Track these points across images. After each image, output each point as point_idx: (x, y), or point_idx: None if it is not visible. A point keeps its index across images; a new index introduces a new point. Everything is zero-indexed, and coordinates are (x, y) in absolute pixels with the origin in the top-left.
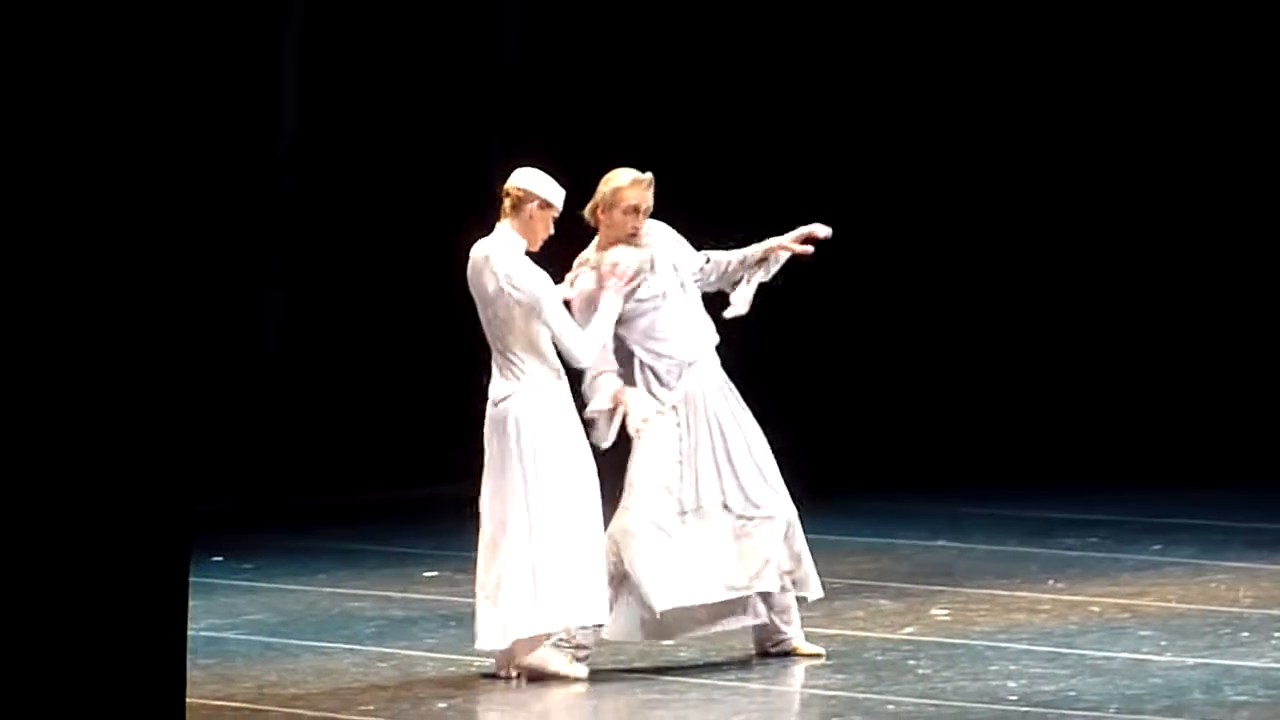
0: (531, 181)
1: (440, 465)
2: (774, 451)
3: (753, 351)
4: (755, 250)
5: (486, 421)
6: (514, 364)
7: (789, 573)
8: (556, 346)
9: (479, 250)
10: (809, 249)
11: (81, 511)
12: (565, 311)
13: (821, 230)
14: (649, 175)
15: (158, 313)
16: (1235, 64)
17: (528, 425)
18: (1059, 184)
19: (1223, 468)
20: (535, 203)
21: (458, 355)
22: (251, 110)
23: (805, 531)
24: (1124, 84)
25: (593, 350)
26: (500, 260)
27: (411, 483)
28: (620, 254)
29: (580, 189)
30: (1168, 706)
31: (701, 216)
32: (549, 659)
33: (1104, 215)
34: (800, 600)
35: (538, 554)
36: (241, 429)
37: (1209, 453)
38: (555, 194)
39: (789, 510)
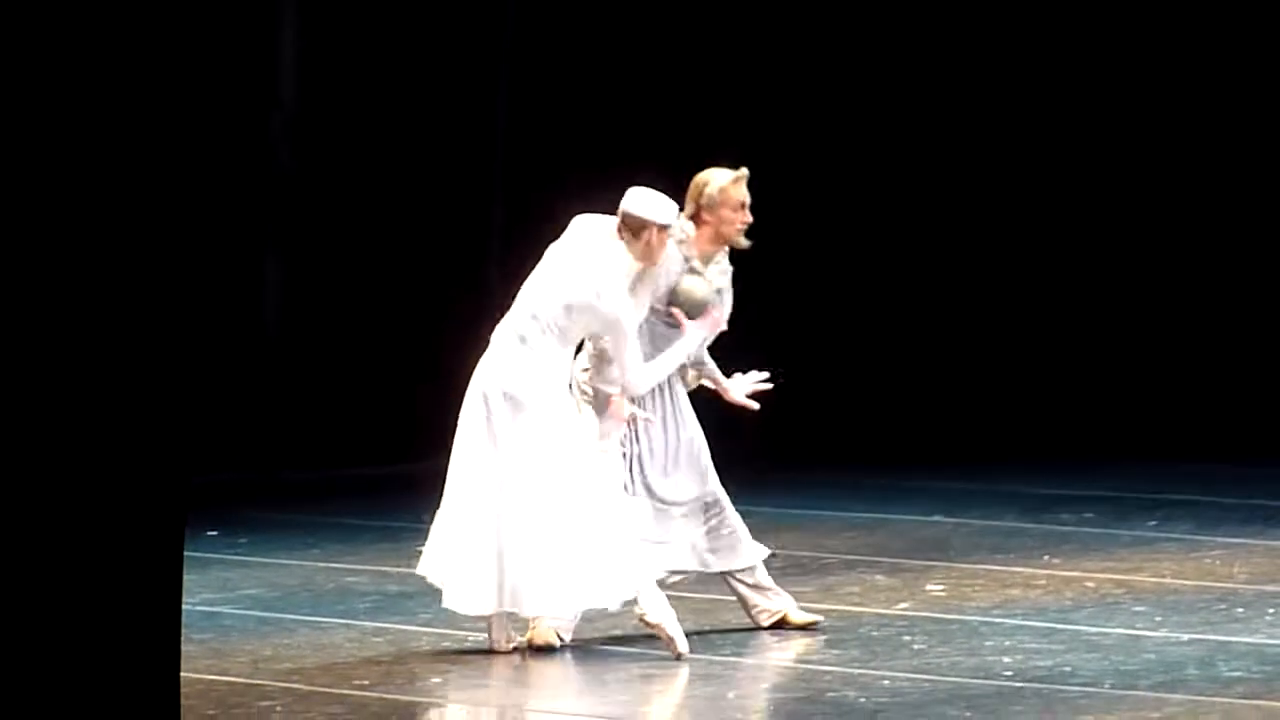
0: (646, 208)
1: (437, 440)
2: (769, 426)
3: (753, 326)
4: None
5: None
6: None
7: (711, 550)
8: (614, 368)
9: (586, 258)
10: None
11: (77, 486)
12: (636, 343)
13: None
14: (745, 170)
15: (155, 287)
16: (1225, 51)
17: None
18: (1053, 159)
19: (1218, 443)
20: (654, 229)
21: (454, 331)
22: (248, 85)
23: (807, 506)
24: (1115, 68)
25: (649, 382)
26: (599, 281)
27: (408, 458)
28: (697, 286)
29: (587, 158)
30: (1162, 682)
31: None
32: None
33: (1096, 190)
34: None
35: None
36: (237, 403)
37: (1205, 429)
38: (670, 213)
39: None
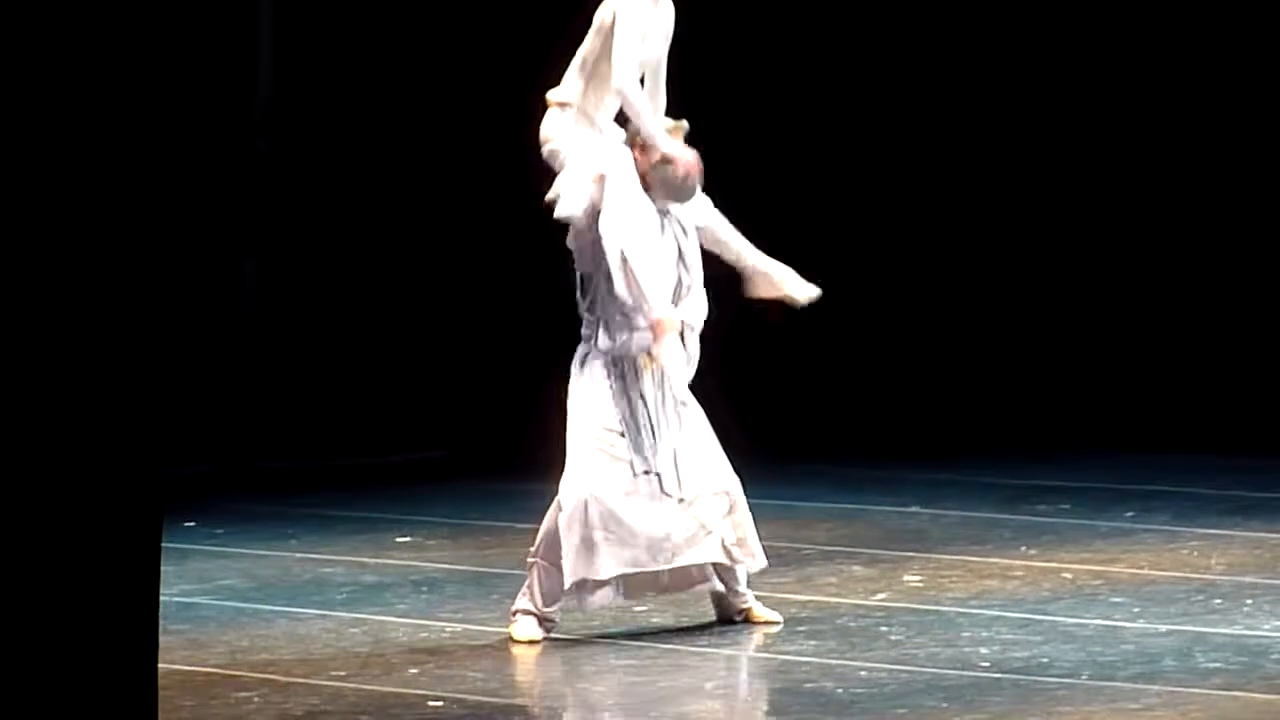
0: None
1: (416, 431)
2: (746, 417)
3: (730, 317)
4: (749, 261)
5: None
6: None
7: (734, 543)
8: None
9: None
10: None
11: (52, 476)
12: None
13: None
14: (683, 123)
15: (131, 277)
16: (1223, 46)
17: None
18: (1031, 152)
19: (1196, 435)
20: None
21: (434, 320)
22: (226, 73)
23: (785, 497)
24: (1111, 60)
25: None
26: None
27: (385, 448)
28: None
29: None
30: (1140, 673)
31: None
32: None
33: (1069, 178)
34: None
35: None
36: (215, 393)
37: (1183, 420)
38: None
39: (733, 483)
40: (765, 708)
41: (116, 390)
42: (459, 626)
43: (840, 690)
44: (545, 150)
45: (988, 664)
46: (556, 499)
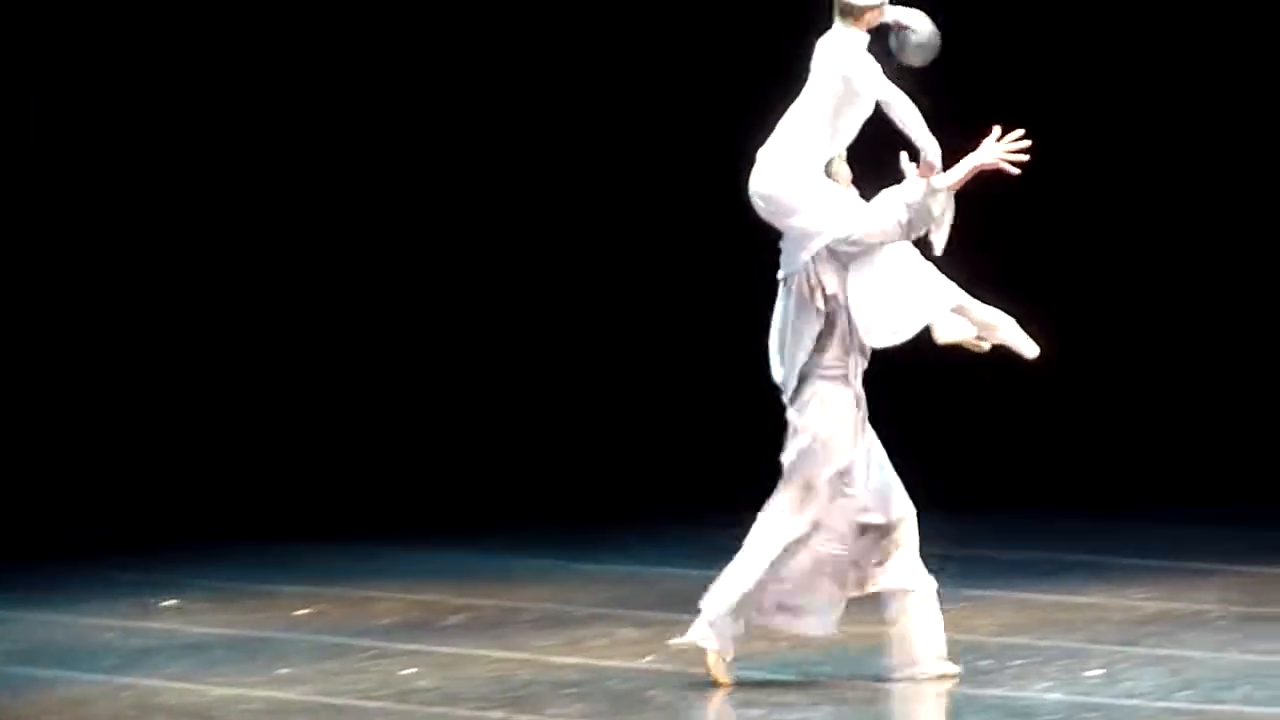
0: None
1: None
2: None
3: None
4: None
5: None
6: None
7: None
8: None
9: None
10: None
11: None
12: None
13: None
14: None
15: None
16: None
17: None
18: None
19: (957, 496)
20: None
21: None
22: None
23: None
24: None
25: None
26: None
27: (170, 509)
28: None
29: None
30: None
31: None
32: None
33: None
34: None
35: None
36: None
37: (941, 480)
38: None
39: None
40: None
41: None
42: (228, 690)
43: None
44: (782, 214)
45: None
46: (896, 516)
